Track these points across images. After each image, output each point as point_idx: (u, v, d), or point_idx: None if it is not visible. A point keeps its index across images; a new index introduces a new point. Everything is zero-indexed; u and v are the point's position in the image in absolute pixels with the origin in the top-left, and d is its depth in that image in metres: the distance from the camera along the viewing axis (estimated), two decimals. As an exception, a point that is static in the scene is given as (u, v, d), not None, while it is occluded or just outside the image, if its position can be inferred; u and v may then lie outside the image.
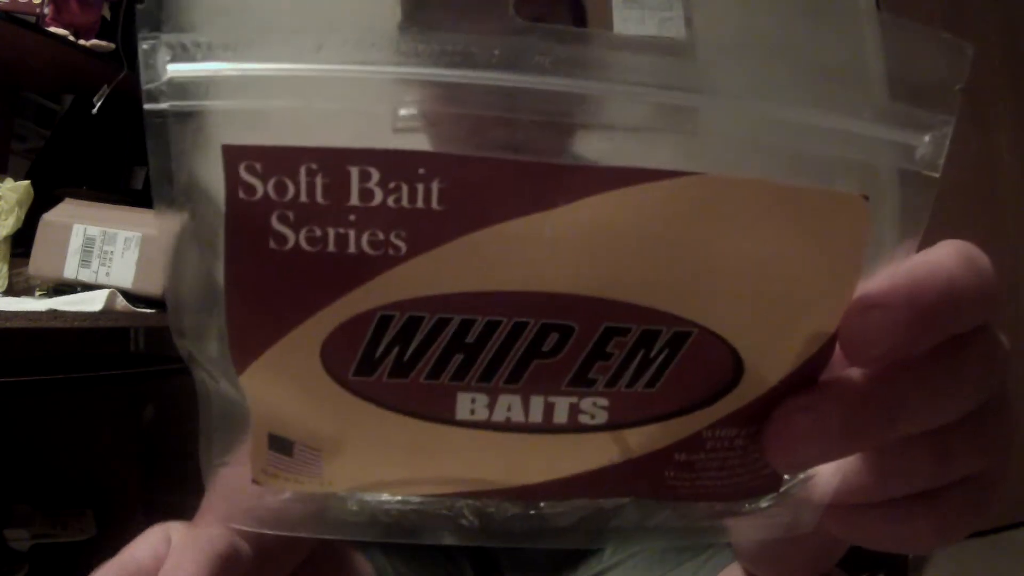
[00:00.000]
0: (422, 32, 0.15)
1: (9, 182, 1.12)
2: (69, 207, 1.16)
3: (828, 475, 0.19)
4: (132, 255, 1.12)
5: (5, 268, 1.12)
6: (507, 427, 0.17)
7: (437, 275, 0.15)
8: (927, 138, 0.17)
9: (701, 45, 0.16)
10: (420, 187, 0.14)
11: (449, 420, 0.17)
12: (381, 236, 0.14)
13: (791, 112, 0.16)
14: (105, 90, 1.31)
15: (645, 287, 0.15)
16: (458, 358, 0.16)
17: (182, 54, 0.15)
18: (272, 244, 0.14)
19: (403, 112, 0.16)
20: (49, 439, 1.37)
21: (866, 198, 0.16)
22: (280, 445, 0.18)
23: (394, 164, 0.14)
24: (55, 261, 1.11)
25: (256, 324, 0.16)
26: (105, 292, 1.04)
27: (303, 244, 0.14)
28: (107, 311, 1.02)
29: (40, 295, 1.11)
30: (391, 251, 0.14)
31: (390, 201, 0.14)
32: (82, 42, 1.30)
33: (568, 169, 0.14)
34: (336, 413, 0.17)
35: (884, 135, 0.17)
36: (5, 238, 1.10)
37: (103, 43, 1.32)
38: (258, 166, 0.14)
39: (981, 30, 2.08)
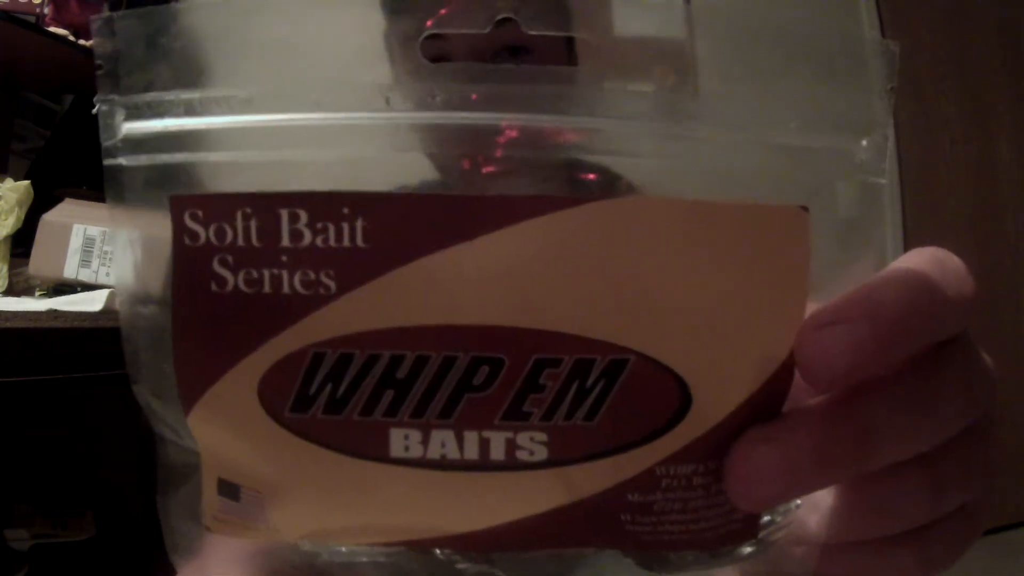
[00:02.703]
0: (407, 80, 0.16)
1: (9, 182, 1.12)
2: (69, 207, 1.16)
3: (816, 516, 0.18)
4: (132, 255, 1.12)
5: (5, 268, 1.12)
6: (443, 465, 0.17)
7: (366, 312, 0.15)
8: (865, 142, 0.16)
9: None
10: (345, 226, 0.15)
11: (384, 458, 0.17)
12: (312, 276, 0.15)
13: (718, 129, 0.16)
14: (105, 90, 1.31)
15: (574, 316, 0.15)
16: (389, 394, 0.16)
17: (135, 113, 0.16)
18: (214, 287, 0.15)
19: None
20: (49, 439, 1.37)
21: (805, 209, 0.15)
22: (228, 490, 0.18)
23: (320, 205, 0.15)
24: (55, 261, 1.11)
25: (200, 363, 0.16)
26: (105, 292, 1.04)
27: (241, 286, 0.15)
28: (107, 311, 1.02)
29: (40, 295, 1.11)
30: (321, 290, 0.15)
31: (318, 241, 0.15)
32: (82, 42, 1.30)
33: (483, 200, 0.15)
34: (275, 452, 0.17)
35: (819, 143, 0.16)
36: (5, 238, 1.10)
37: (103, 43, 1.32)
38: (200, 213, 0.15)
39: (981, 30, 2.08)
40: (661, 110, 0.16)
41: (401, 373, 0.16)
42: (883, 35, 2.02)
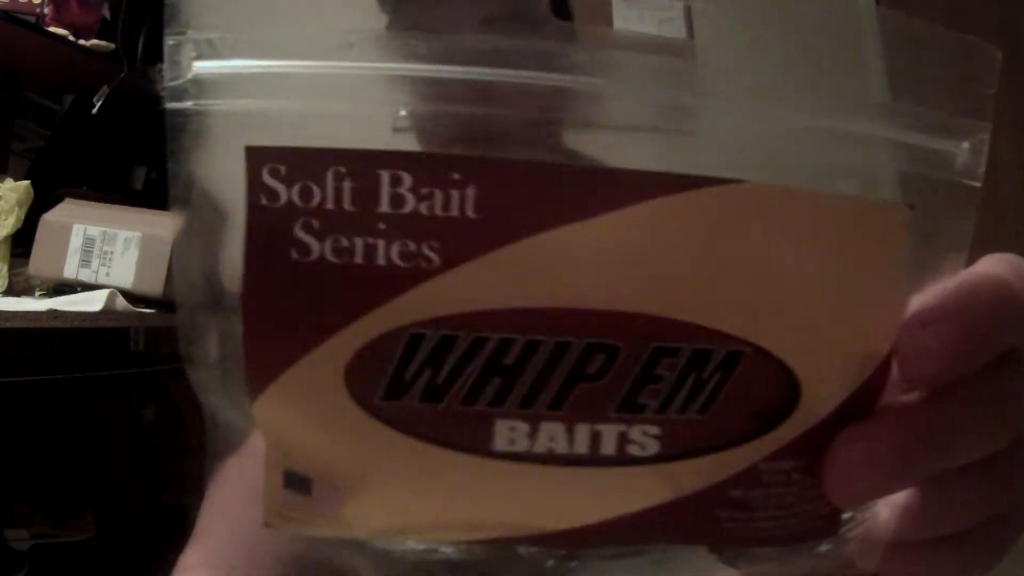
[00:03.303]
0: (438, 35, 0.14)
1: (9, 182, 1.12)
2: (69, 207, 1.16)
3: (884, 516, 0.18)
4: (132, 255, 1.12)
5: (5, 268, 1.12)
6: (550, 459, 0.15)
7: (473, 290, 0.14)
8: (966, 145, 0.16)
9: (710, 49, 0.16)
10: (455, 193, 0.13)
11: (486, 451, 0.15)
12: (412, 247, 0.13)
13: (823, 119, 0.15)
14: (105, 90, 1.31)
15: (694, 303, 0.14)
16: (496, 381, 0.15)
17: (208, 51, 0.14)
18: (294, 255, 0.13)
19: (403, 112, 0.15)
20: (49, 439, 1.37)
21: (912, 207, 0.15)
22: (297, 483, 0.16)
23: (427, 168, 0.13)
24: (55, 261, 1.11)
25: (275, 343, 0.14)
26: (105, 292, 1.04)
27: (328, 255, 0.13)
28: (107, 311, 1.02)
29: (40, 295, 1.11)
30: (423, 263, 0.14)
31: (423, 208, 0.13)
32: (82, 42, 1.30)
33: (610, 174, 0.13)
34: (361, 443, 0.15)
35: (923, 143, 0.16)
36: (5, 238, 1.10)
37: (103, 43, 1.32)
38: (282, 169, 0.13)
39: (981, 30, 2.08)
40: (752, 95, 0.15)
41: (509, 359, 0.14)
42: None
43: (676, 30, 2.05)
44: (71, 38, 1.27)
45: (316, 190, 0.13)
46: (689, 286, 0.14)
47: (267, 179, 0.13)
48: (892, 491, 0.17)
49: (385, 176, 0.13)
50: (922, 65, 0.16)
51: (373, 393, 0.15)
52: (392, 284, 0.14)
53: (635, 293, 0.14)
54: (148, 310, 1.11)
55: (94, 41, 1.31)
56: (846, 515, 0.18)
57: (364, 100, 0.14)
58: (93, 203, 1.19)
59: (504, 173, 0.13)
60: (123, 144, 1.50)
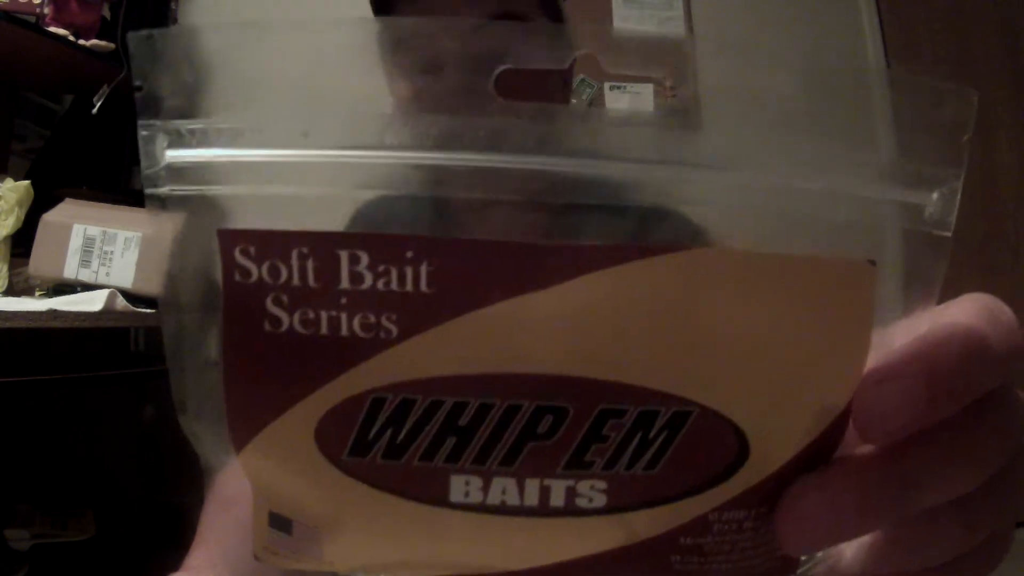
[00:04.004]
0: (409, 117, 0.15)
1: (9, 182, 1.12)
2: (69, 207, 1.16)
3: (851, 551, 0.18)
4: (132, 255, 1.12)
5: (5, 268, 1.12)
6: (502, 510, 0.16)
7: (429, 357, 0.15)
8: (935, 195, 0.16)
9: (702, 106, 0.16)
10: (409, 270, 0.14)
11: (443, 502, 0.16)
12: (372, 319, 0.14)
13: (789, 175, 0.15)
14: (105, 90, 1.31)
15: (641, 367, 0.15)
16: (451, 440, 0.16)
17: (178, 140, 0.15)
18: (267, 326, 0.15)
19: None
20: (49, 439, 1.37)
21: (873, 263, 0.15)
22: (280, 523, 0.18)
23: (382, 247, 0.14)
24: (55, 261, 1.11)
25: (253, 404, 0.16)
26: (105, 292, 1.04)
27: (297, 326, 0.15)
28: (107, 311, 1.02)
29: (40, 295, 1.11)
30: (382, 334, 0.15)
31: (380, 284, 0.14)
32: (82, 42, 1.30)
33: (557, 249, 0.14)
34: (332, 493, 0.17)
35: (889, 195, 0.16)
36: (5, 238, 1.10)
37: (103, 43, 1.32)
38: (252, 250, 0.14)
39: (981, 30, 2.08)
40: (717, 157, 0.15)
41: (464, 420, 0.15)
42: (883, 35, 2.02)
43: (676, 30, 2.05)
44: (71, 38, 1.28)
45: (283, 268, 0.14)
46: (637, 351, 0.15)
47: (239, 258, 0.14)
48: (846, 539, 0.17)
49: (344, 255, 0.14)
50: (898, 112, 0.16)
51: (340, 450, 0.16)
52: (354, 353, 0.15)
53: (583, 359, 0.15)
54: (148, 310, 1.11)
55: (94, 41, 1.31)
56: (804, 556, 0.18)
57: (322, 183, 0.15)
58: (93, 203, 1.19)
59: (454, 250, 0.14)
60: (123, 144, 1.50)
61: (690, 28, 1.96)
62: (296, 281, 0.14)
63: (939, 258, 0.16)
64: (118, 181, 1.50)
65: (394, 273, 0.14)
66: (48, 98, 1.53)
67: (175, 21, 1.58)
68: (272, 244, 0.14)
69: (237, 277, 0.14)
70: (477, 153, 0.15)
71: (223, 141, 0.15)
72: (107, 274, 1.11)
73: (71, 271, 1.11)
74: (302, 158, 0.15)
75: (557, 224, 0.15)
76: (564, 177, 0.15)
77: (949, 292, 0.17)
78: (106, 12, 1.37)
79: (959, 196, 0.16)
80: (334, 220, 0.15)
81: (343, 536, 0.18)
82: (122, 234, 1.12)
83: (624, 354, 0.15)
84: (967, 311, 0.16)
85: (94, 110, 1.32)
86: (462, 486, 0.16)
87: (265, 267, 0.14)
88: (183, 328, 0.17)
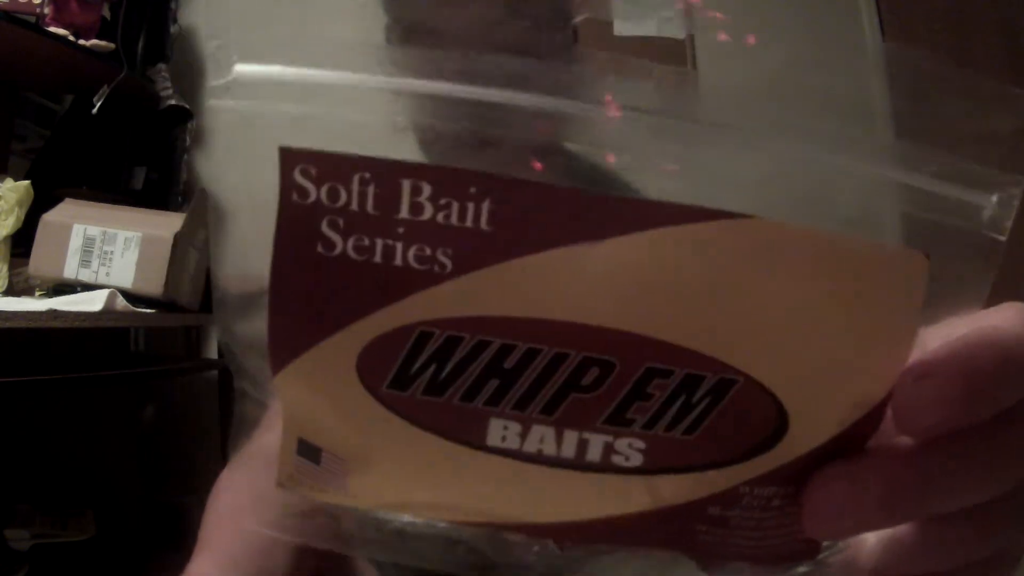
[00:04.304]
0: (492, 56, 0.15)
1: (9, 182, 1.12)
2: (69, 207, 1.16)
3: (869, 545, 0.18)
4: (132, 255, 1.12)
5: (5, 268, 1.12)
6: (537, 459, 0.16)
7: (480, 296, 0.15)
8: (994, 198, 0.16)
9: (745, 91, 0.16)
10: (470, 206, 0.14)
11: (479, 445, 0.16)
12: (428, 251, 0.14)
13: (853, 163, 0.15)
14: (105, 90, 1.31)
15: (692, 330, 0.15)
16: (494, 383, 0.16)
17: (249, 54, 0.15)
18: (320, 248, 0.15)
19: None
20: (49, 439, 1.37)
21: (927, 256, 0.15)
22: (308, 451, 0.18)
23: (446, 181, 0.14)
24: (55, 261, 1.11)
25: (296, 326, 0.16)
26: (105, 292, 1.04)
27: (350, 252, 0.14)
28: (107, 311, 1.02)
29: (40, 295, 1.11)
30: (436, 268, 0.14)
31: (439, 217, 0.14)
32: (82, 42, 1.30)
33: (622, 202, 0.14)
34: (367, 424, 0.17)
35: (950, 193, 0.16)
36: (5, 238, 1.10)
37: (103, 43, 1.32)
38: (313, 171, 0.14)
39: (981, 30, 2.08)
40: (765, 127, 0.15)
41: (509, 363, 0.15)
42: (883, 35, 2.02)
43: (676, 30, 2.04)
44: (71, 38, 1.28)
45: (342, 192, 0.14)
46: (689, 314, 0.15)
47: (298, 178, 0.14)
48: (871, 530, 0.17)
49: (406, 185, 0.14)
50: (953, 110, 0.16)
51: (381, 382, 0.16)
52: (406, 284, 0.15)
53: (635, 314, 0.15)
54: (148, 310, 1.11)
55: (94, 41, 1.31)
56: (826, 542, 0.18)
57: (393, 112, 0.15)
58: (93, 203, 1.19)
59: (519, 191, 0.14)
60: (123, 144, 1.50)
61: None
62: (354, 206, 0.14)
63: (992, 260, 0.16)
64: (118, 181, 1.50)
65: (455, 207, 0.14)
66: (48, 98, 1.53)
67: (175, 21, 1.58)
68: (334, 166, 0.14)
69: (294, 197, 0.14)
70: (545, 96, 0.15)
71: (294, 59, 0.15)
72: (107, 274, 1.11)
73: (71, 271, 1.11)
74: (380, 84, 0.15)
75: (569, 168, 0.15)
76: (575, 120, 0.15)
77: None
78: (106, 12, 1.37)
79: (1017, 201, 0.16)
80: (392, 147, 0.14)
81: (372, 470, 0.18)
82: (122, 234, 1.12)
83: (676, 315, 0.15)
84: (1009, 318, 0.16)
85: (94, 110, 1.32)
86: (500, 430, 0.16)
87: (324, 189, 0.14)
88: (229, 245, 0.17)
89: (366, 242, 0.14)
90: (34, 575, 1.17)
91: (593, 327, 0.15)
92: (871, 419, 0.16)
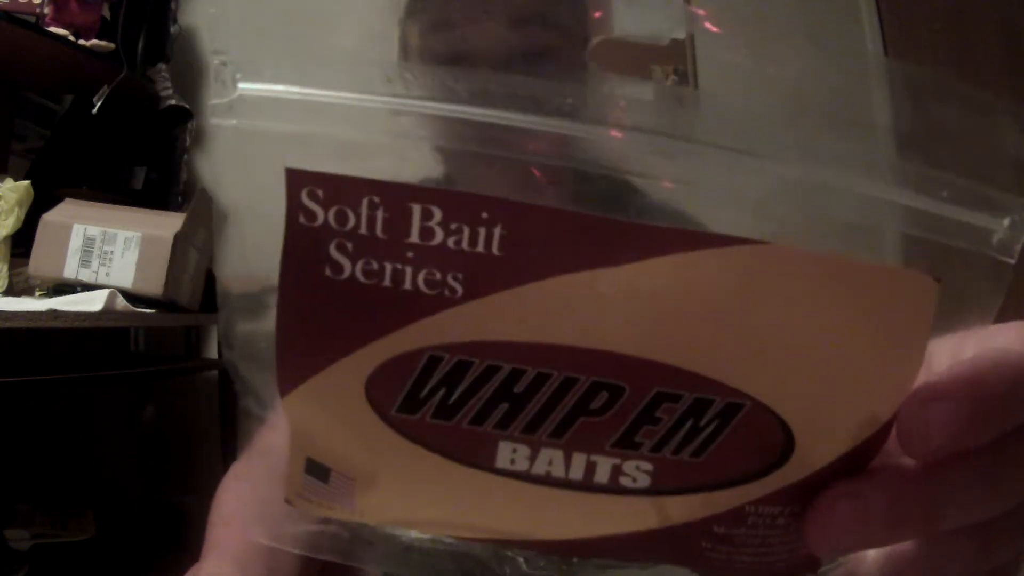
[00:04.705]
0: (485, 74, 0.15)
1: (9, 182, 1.12)
2: (69, 207, 1.16)
3: (869, 559, 0.18)
4: (132, 255, 1.12)
5: (5, 268, 1.12)
6: (546, 481, 0.16)
7: (491, 321, 0.15)
8: (1006, 222, 0.16)
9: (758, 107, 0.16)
10: (482, 231, 0.14)
11: (488, 467, 0.16)
12: (438, 276, 0.14)
13: (864, 185, 0.15)
14: (105, 90, 1.31)
15: (701, 354, 0.15)
16: (503, 407, 0.16)
17: (252, 73, 0.15)
18: (328, 272, 0.14)
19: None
20: (49, 439, 1.37)
21: (937, 280, 0.15)
22: (316, 470, 0.18)
23: (457, 205, 0.14)
24: (55, 261, 1.11)
25: (305, 350, 0.15)
26: (105, 292, 1.04)
27: (359, 275, 0.14)
28: (107, 311, 1.02)
29: (40, 295, 1.11)
30: (447, 292, 0.14)
31: (450, 242, 0.14)
32: (82, 42, 1.30)
33: (633, 228, 0.14)
34: (375, 447, 0.17)
35: (961, 217, 0.16)
36: (5, 238, 1.10)
37: (103, 43, 1.32)
38: (320, 193, 0.14)
39: (981, 30, 2.08)
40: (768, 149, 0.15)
41: (519, 388, 0.15)
42: (883, 35, 2.02)
43: (676, 31, 2.05)
44: (71, 38, 1.27)
45: (351, 215, 0.14)
46: (699, 339, 0.15)
47: (306, 200, 0.14)
48: (872, 547, 0.17)
49: (416, 209, 0.14)
50: (966, 131, 0.16)
51: (390, 405, 0.16)
52: (416, 308, 0.15)
53: (645, 340, 0.15)
54: (148, 310, 1.11)
55: (94, 41, 1.31)
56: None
57: (397, 132, 0.15)
58: (93, 203, 1.19)
59: (531, 217, 0.14)
60: (123, 144, 1.50)
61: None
62: (363, 229, 0.14)
63: (1000, 283, 0.16)
64: (118, 181, 1.49)
65: (466, 232, 0.14)
66: (48, 98, 1.53)
67: (175, 21, 1.58)
68: (342, 189, 0.14)
69: (302, 219, 0.14)
70: (560, 119, 0.15)
71: (297, 79, 0.15)
72: (107, 274, 1.11)
73: (71, 271, 1.11)
74: (382, 104, 0.15)
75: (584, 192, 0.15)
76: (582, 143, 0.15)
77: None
78: (106, 12, 1.37)
79: None
80: (398, 173, 0.14)
81: (380, 489, 0.18)
82: (122, 234, 1.12)
83: (686, 340, 0.15)
84: (1018, 339, 0.16)
85: (94, 110, 1.32)
86: (509, 453, 0.16)
87: (332, 212, 0.14)
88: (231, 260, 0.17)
89: (375, 266, 0.14)
90: (34, 575, 1.17)
91: (604, 352, 0.15)
92: (876, 439, 0.16)
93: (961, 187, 0.16)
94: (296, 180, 0.14)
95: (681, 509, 0.17)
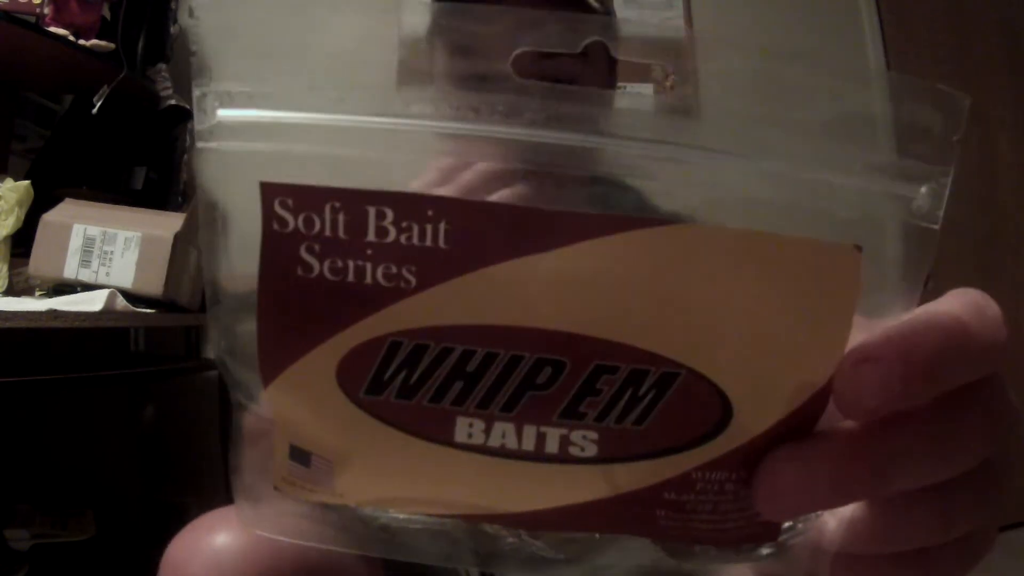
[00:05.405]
0: (430, 90, 0.17)
1: (9, 182, 1.12)
2: (69, 207, 1.16)
3: (831, 527, 0.19)
4: (132, 255, 1.12)
5: (5, 268, 1.12)
6: (502, 453, 0.18)
7: (442, 307, 0.16)
8: (923, 189, 0.17)
9: (703, 100, 0.17)
10: (429, 227, 0.15)
11: (448, 442, 0.18)
12: (394, 269, 0.16)
13: (784, 165, 0.16)
14: (105, 90, 1.31)
15: (634, 328, 0.16)
16: (458, 385, 0.17)
17: (229, 102, 0.17)
18: (300, 272, 0.16)
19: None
20: (49, 439, 1.37)
21: (859, 248, 0.16)
22: (299, 456, 0.19)
23: (406, 205, 0.15)
24: (55, 261, 1.11)
25: (282, 342, 0.17)
26: (105, 292, 1.04)
27: (327, 273, 0.16)
28: (107, 311, 1.02)
29: (40, 295, 1.11)
30: (402, 284, 0.16)
31: (402, 239, 0.16)
32: (82, 42, 1.30)
33: (561, 215, 0.15)
34: (348, 428, 0.18)
35: (879, 187, 0.17)
36: (5, 238, 1.10)
37: (103, 43, 1.32)
38: (290, 202, 0.16)
39: (981, 30, 2.08)
40: (715, 143, 0.16)
41: (471, 367, 0.17)
42: (883, 35, 2.02)
43: (676, 30, 2.05)
44: (71, 38, 1.28)
45: (317, 220, 0.16)
46: (632, 314, 0.16)
47: (278, 209, 0.16)
48: (819, 509, 0.17)
49: (372, 211, 0.16)
50: (895, 112, 0.17)
51: (358, 388, 0.18)
52: (377, 300, 0.16)
53: (581, 317, 0.16)
54: (148, 310, 1.11)
55: (94, 41, 1.31)
56: (787, 523, 0.19)
57: (355, 144, 0.17)
58: (93, 203, 1.19)
59: (470, 212, 0.16)
60: (123, 144, 1.50)
61: (690, 28, 1.96)
62: (328, 232, 0.16)
63: (927, 249, 0.17)
64: (118, 181, 1.50)
65: (415, 229, 0.16)
66: (48, 98, 1.53)
67: (175, 21, 1.58)
68: (308, 197, 0.16)
69: (275, 226, 0.16)
70: (492, 125, 0.16)
71: (268, 104, 0.17)
72: (107, 274, 1.11)
73: (71, 271, 1.11)
74: (336, 121, 0.17)
75: (558, 193, 0.17)
76: (561, 149, 0.16)
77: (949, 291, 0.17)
78: (106, 12, 1.37)
79: (947, 192, 0.17)
80: (362, 180, 0.16)
81: (355, 470, 0.19)
82: (122, 234, 1.12)
83: (619, 316, 0.16)
84: (952, 303, 0.17)
85: (94, 110, 1.32)
86: (466, 427, 0.18)
87: (301, 218, 0.16)
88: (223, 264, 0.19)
89: (339, 264, 0.16)
90: (34, 575, 1.17)
91: (544, 330, 0.16)
92: (815, 403, 0.17)
93: (876, 161, 0.17)
94: (269, 192, 0.16)
95: (630, 477, 0.18)
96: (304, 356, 0.17)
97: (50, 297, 1.07)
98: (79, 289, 1.09)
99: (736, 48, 0.17)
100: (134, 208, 1.25)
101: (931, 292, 0.18)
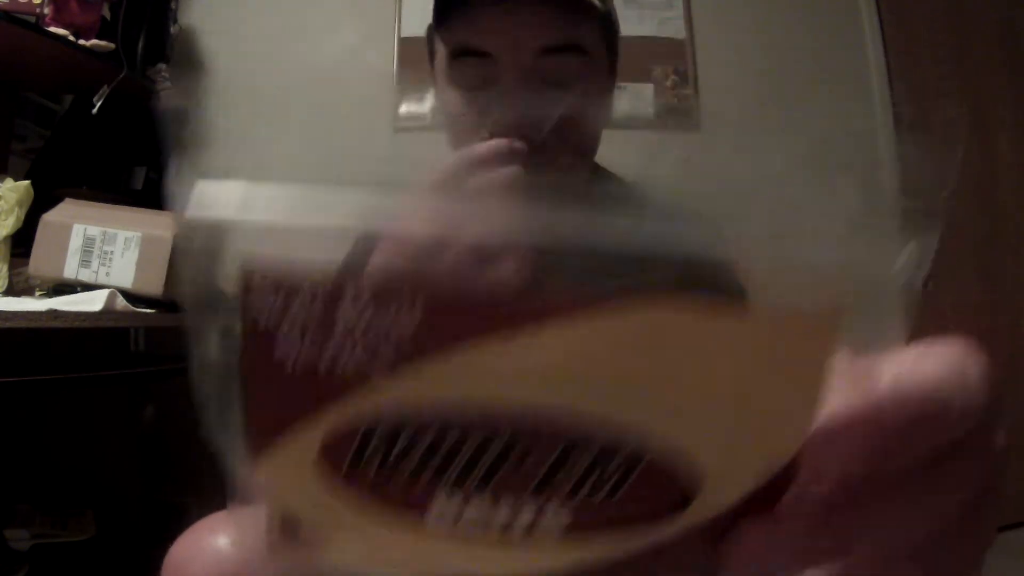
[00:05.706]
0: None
1: (9, 182, 1.12)
2: (69, 207, 1.16)
3: None
4: (132, 255, 1.12)
5: (5, 268, 1.12)
6: (479, 525, 0.19)
7: (418, 389, 0.17)
8: (911, 245, 0.17)
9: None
10: (405, 306, 0.16)
11: (428, 515, 0.19)
12: (369, 352, 0.16)
13: (771, 223, 0.16)
14: (105, 90, 1.31)
15: (604, 407, 0.17)
16: (435, 462, 0.18)
17: (205, 176, 0.18)
18: (278, 353, 0.16)
19: (403, 110, 0.18)
20: (49, 439, 1.37)
21: (836, 315, 0.15)
22: (289, 525, 0.20)
23: (381, 283, 0.16)
24: (55, 261, 1.11)
25: (266, 422, 0.18)
26: (105, 292, 1.04)
27: (304, 353, 0.16)
28: (107, 311, 1.02)
29: (40, 295, 1.11)
30: (379, 362, 0.16)
31: (376, 320, 0.16)
32: (82, 42, 1.30)
33: (530, 297, 0.16)
34: (332, 503, 0.19)
35: (863, 245, 0.17)
36: (5, 238, 1.10)
37: (103, 43, 1.32)
38: (270, 279, 0.16)
39: (981, 30, 2.08)
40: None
41: (446, 445, 0.17)
42: (883, 35, 2.02)
43: (675, 30, 2.05)
44: (71, 38, 1.28)
45: (295, 298, 0.16)
46: (600, 392, 0.16)
47: (257, 286, 0.16)
48: (793, 573, 0.17)
49: (349, 288, 0.16)
50: (900, 166, 0.17)
51: (339, 466, 0.18)
52: (354, 380, 0.16)
53: (552, 396, 0.17)
54: (148, 310, 1.11)
55: (94, 41, 1.31)
56: None
57: (329, 218, 0.18)
58: (93, 203, 1.19)
59: (442, 291, 0.16)
60: (123, 144, 1.50)
61: (690, 28, 1.96)
62: (306, 310, 0.16)
63: (908, 307, 0.17)
64: (118, 181, 1.50)
65: (392, 307, 0.16)
66: (48, 98, 1.53)
67: (175, 21, 1.58)
68: (287, 275, 0.16)
69: (255, 304, 0.16)
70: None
71: (244, 177, 0.17)
72: (107, 274, 1.11)
73: (71, 271, 1.11)
74: (311, 195, 0.17)
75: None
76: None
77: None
78: (106, 12, 1.37)
79: (934, 250, 0.17)
80: (332, 251, 0.17)
81: (341, 539, 0.20)
82: (122, 234, 1.12)
83: (589, 395, 0.17)
84: (934, 364, 0.16)
85: (94, 110, 1.32)
86: (444, 501, 0.18)
87: (280, 296, 0.16)
88: (209, 343, 0.19)
89: (318, 342, 0.16)
90: (34, 575, 1.17)
91: (517, 408, 0.17)
92: (785, 473, 0.17)
93: (860, 216, 0.17)
94: (249, 268, 0.16)
95: (602, 545, 0.19)
96: (287, 436, 0.18)
97: (50, 297, 1.07)
98: (79, 289, 1.09)
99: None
100: (134, 208, 1.25)
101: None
